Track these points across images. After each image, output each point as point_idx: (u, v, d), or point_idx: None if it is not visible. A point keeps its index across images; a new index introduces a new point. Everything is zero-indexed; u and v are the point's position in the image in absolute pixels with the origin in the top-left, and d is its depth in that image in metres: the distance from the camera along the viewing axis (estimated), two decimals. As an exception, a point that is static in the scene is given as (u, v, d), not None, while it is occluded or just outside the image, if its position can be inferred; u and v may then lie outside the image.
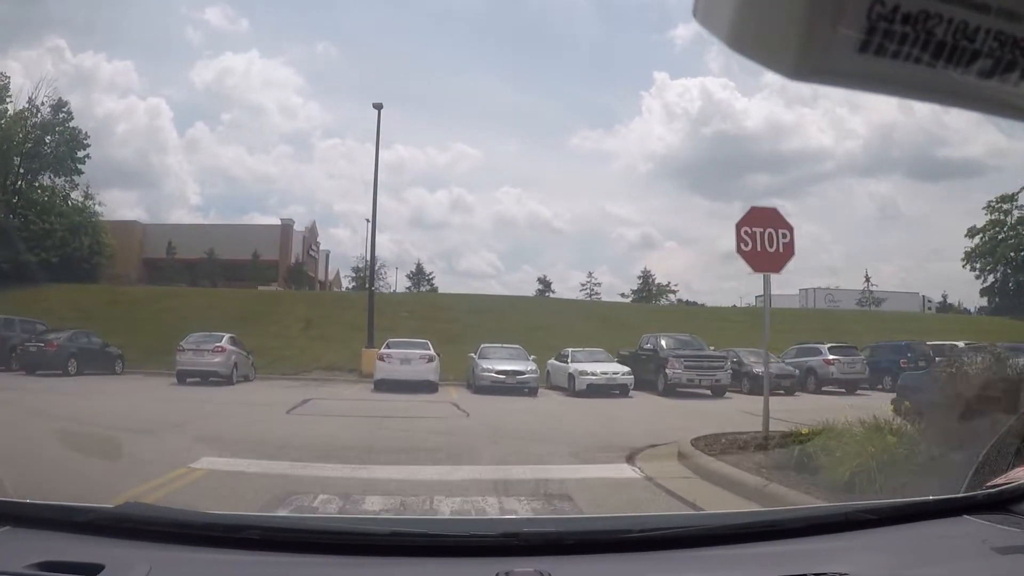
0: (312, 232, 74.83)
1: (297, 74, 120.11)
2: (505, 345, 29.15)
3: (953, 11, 0.81)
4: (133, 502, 3.21)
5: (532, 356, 28.26)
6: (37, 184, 57.60)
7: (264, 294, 50.60)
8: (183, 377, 26.49)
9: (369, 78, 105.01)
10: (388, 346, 27.61)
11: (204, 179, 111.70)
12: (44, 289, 45.95)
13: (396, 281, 77.23)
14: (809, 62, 0.82)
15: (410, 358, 26.21)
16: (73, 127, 59.17)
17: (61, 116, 58.82)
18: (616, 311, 55.47)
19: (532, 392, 25.74)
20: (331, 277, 78.79)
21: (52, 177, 58.44)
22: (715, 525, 2.67)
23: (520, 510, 7.63)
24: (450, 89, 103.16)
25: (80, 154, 59.25)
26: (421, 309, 47.39)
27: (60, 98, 58.75)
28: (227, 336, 28.12)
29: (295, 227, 69.75)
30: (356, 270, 72.90)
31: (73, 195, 58.98)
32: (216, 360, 26.61)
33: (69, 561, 2.12)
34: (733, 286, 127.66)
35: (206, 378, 26.14)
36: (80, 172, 59.26)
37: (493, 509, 7.61)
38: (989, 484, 2.83)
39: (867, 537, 2.57)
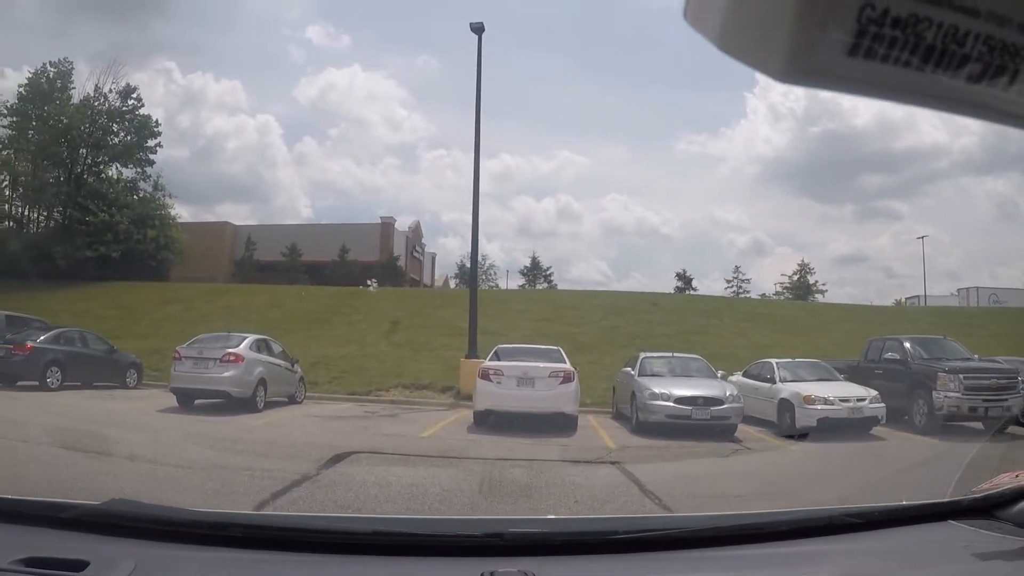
0: (416, 232, 69.76)
1: (399, 87, 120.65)
2: (677, 354, 20.23)
3: (943, 15, 0.80)
4: (119, 499, 2.70)
5: (719, 372, 18.99)
6: (104, 175, 54.26)
7: (342, 292, 43.51)
8: (184, 398, 18.68)
9: (471, 88, 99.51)
10: (497, 355, 18.10)
11: (314, 192, 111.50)
12: (96, 287, 43.47)
13: (506, 283, 72.72)
14: (798, 64, 0.82)
15: (533, 376, 16.48)
16: (143, 115, 55.91)
17: (131, 103, 55.59)
18: (780, 310, 45.28)
19: (728, 432, 15.96)
20: (438, 283, 73.96)
21: (119, 168, 55.62)
22: (701, 527, 2.60)
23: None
24: (553, 97, 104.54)
25: (151, 143, 55.93)
26: (539, 308, 38.23)
27: (128, 83, 55.75)
28: (250, 339, 19.81)
29: (396, 226, 64.60)
30: (461, 267, 66.06)
31: (142, 186, 55.32)
32: (226, 375, 18.22)
33: (54, 557, 2.13)
34: (848, 292, 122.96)
35: (212, 398, 18.45)
36: (151, 162, 55.88)
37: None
38: (975, 489, 2.85)
39: (852, 541, 2.59)
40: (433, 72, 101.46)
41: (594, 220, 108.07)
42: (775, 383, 18.43)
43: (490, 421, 16.13)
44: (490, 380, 16.52)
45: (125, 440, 11.94)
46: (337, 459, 10.77)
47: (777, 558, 2.47)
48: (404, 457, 12.31)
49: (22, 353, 21.14)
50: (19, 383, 20.97)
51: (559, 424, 15.83)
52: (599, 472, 11.45)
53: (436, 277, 74.78)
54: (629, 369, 19.03)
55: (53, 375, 21.29)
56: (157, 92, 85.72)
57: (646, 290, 57.60)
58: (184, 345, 19.15)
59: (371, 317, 35.65)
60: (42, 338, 22.07)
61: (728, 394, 16.41)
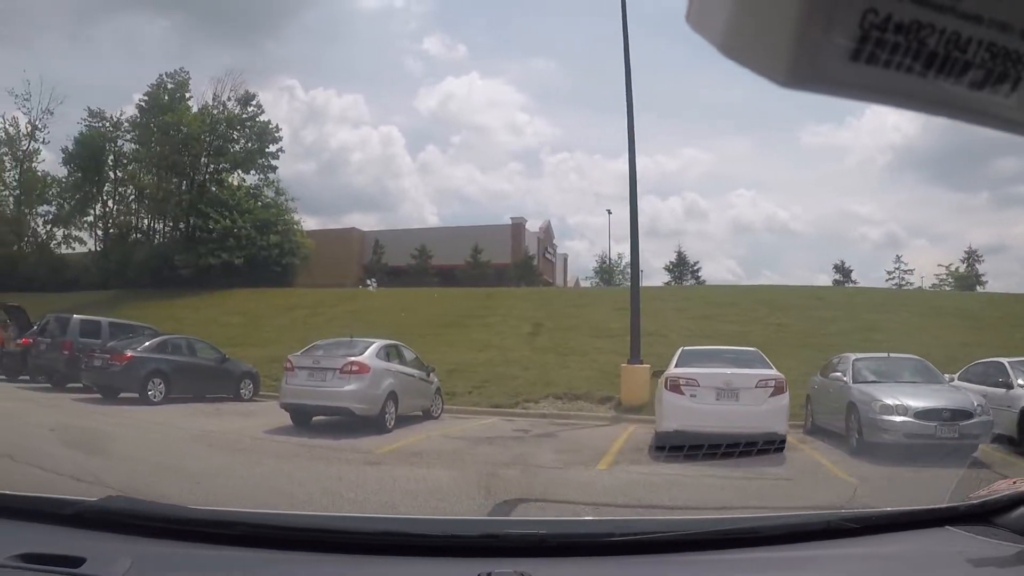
0: (548, 233, 66.67)
1: (519, 92, 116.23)
2: (893, 355, 16.05)
3: (946, 21, 0.80)
4: (116, 496, 2.82)
5: (947, 375, 15.46)
6: (226, 183, 53.68)
7: (477, 293, 40.63)
8: (298, 415, 15.55)
9: (591, 90, 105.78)
10: (684, 360, 14.19)
11: (439, 199, 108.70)
12: (220, 294, 43.06)
13: (644, 282, 65.36)
14: (801, 70, 0.81)
15: (737, 386, 12.87)
16: (263, 121, 55.73)
17: (250, 110, 55.43)
18: (960, 302, 38.19)
19: (968, 453, 12.15)
20: (570, 284, 69.93)
21: (241, 174, 55.07)
22: (697, 531, 2.58)
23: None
24: (674, 94, 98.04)
25: (272, 148, 55.70)
26: (695, 306, 34.03)
27: (247, 91, 55.53)
28: (377, 345, 16.53)
29: (527, 227, 61.62)
30: (600, 262, 62.03)
31: (265, 192, 54.45)
32: (348, 388, 14.93)
33: (51, 553, 2.14)
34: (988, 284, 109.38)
35: (331, 415, 15.43)
36: (273, 168, 55.63)
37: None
38: (972, 496, 2.84)
39: (849, 546, 2.56)
40: (551, 75, 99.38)
41: (722, 217, 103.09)
42: (1012, 388, 14.51)
43: (675, 446, 11.93)
44: (680, 392, 12.91)
45: (203, 476, 9.53)
46: (502, 511, 7.71)
47: (774, 562, 2.46)
48: (590, 507, 8.72)
49: (120, 363, 18.72)
50: (121, 395, 18.81)
51: (765, 445, 11.62)
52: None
53: (568, 279, 71.32)
54: (839, 375, 15.19)
55: (155, 387, 18.92)
56: (281, 109, 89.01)
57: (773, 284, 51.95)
58: (298, 353, 16.02)
59: (510, 319, 32.31)
60: (143, 347, 19.65)
61: (976, 405, 12.87)
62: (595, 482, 10.57)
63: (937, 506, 2.85)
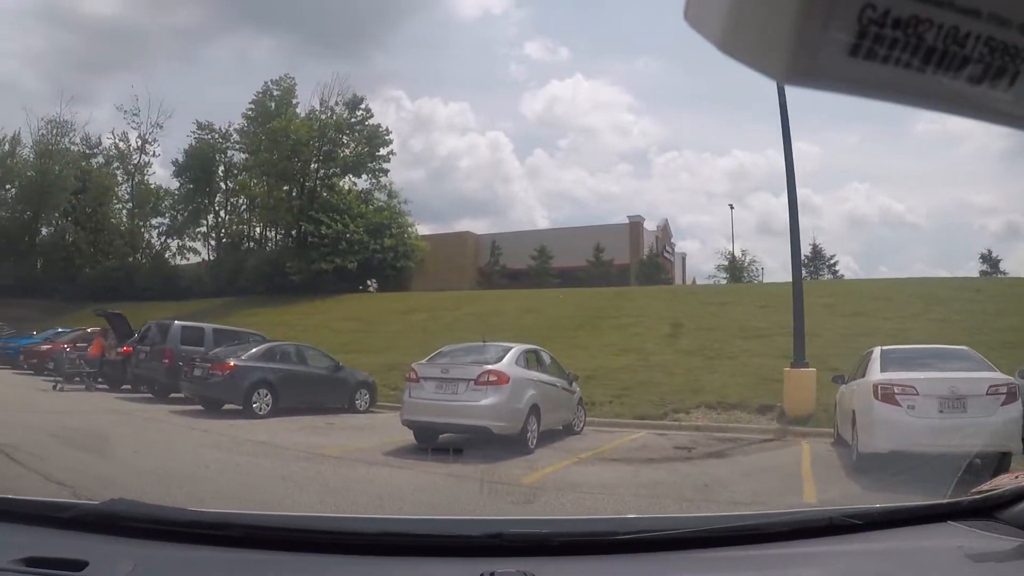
0: (665, 232, 63.66)
1: (624, 92, 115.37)
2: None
3: (944, 16, 0.80)
4: (118, 499, 2.75)
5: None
6: (336, 187, 53.20)
7: (605, 293, 38.01)
8: (424, 434, 13.09)
9: (696, 87, 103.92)
10: (888, 363, 11.63)
11: (549, 203, 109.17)
12: (333, 299, 42.58)
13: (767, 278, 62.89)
14: (800, 65, 0.82)
15: (964, 394, 10.51)
16: (373, 124, 55.03)
17: (359, 114, 54.83)
18: None
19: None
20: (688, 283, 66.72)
21: (352, 179, 54.96)
22: (699, 528, 2.53)
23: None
24: (775, 86, 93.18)
25: (383, 151, 54.71)
26: (844, 301, 30.28)
27: (355, 94, 55.04)
28: (516, 350, 13.88)
29: (645, 226, 59.03)
30: (728, 258, 57.94)
31: (377, 196, 53.94)
32: (485, 403, 12.40)
33: (53, 557, 2.14)
34: None
35: (463, 433, 12.86)
36: (384, 171, 54.83)
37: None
38: (974, 490, 2.85)
39: (851, 542, 2.56)
40: (656, 74, 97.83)
41: (835, 212, 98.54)
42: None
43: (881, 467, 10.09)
44: (895, 403, 10.46)
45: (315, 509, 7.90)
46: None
47: (776, 559, 2.46)
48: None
49: (223, 373, 16.82)
50: (224, 407, 17.20)
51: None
52: None
53: (686, 278, 68.04)
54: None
55: (260, 399, 17.03)
56: (389, 119, 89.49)
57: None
58: (423, 361, 13.55)
59: (646, 320, 29.39)
60: (248, 355, 17.65)
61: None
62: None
63: (939, 501, 2.85)
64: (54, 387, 21.53)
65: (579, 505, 8.78)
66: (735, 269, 54.65)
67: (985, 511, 2.61)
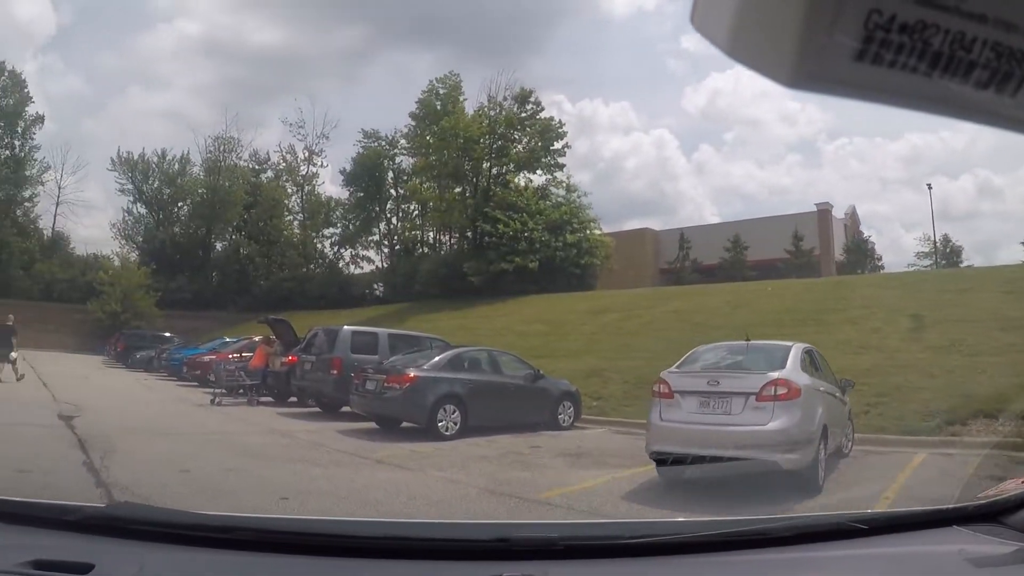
0: (854, 219, 59.78)
1: None
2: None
3: (950, 21, 0.81)
4: (124, 502, 3.35)
5: None
6: (511, 184, 51.29)
7: (819, 284, 34.29)
8: (668, 467, 9.54)
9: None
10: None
11: (718, 198, 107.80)
12: (515, 301, 40.69)
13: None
14: (806, 70, 0.82)
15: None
16: (544, 118, 52.69)
17: (529, 108, 52.54)
18: None
19: None
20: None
21: (527, 175, 52.83)
22: (706, 532, 2.57)
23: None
24: None
25: (557, 145, 52.08)
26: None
27: (523, 88, 52.82)
28: (795, 351, 10.05)
29: (834, 212, 55.64)
30: (926, 242, 53.09)
31: (553, 191, 51.71)
32: (772, 426, 8.75)
33: (59, 560, 2.12)
34: None
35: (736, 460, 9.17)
36: (560, 166, 52.15)
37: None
38: (980, 496, 2.85)
39: (858, 546, 2.52)
40: None
41: (1019, 194, 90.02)
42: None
43: None
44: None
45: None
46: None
47: (783, 563, 2.44)
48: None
49: (400, 386, 13.98)
50: (403, 425, 14.64)
51: None
52: None
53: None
54: None
55: (447, 416, 14.05)
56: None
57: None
58: (675, 369, 10.01)
59: (876, 311, 24.71)
60: (431, 363, 14.75)
61: None
62: None
63: (945, 506, 2.85)
64: (211, 401, 19.53)
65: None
66: (949, 254, 49.58)
67: (991, 516, 2.59)
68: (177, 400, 21.22)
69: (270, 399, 20.14)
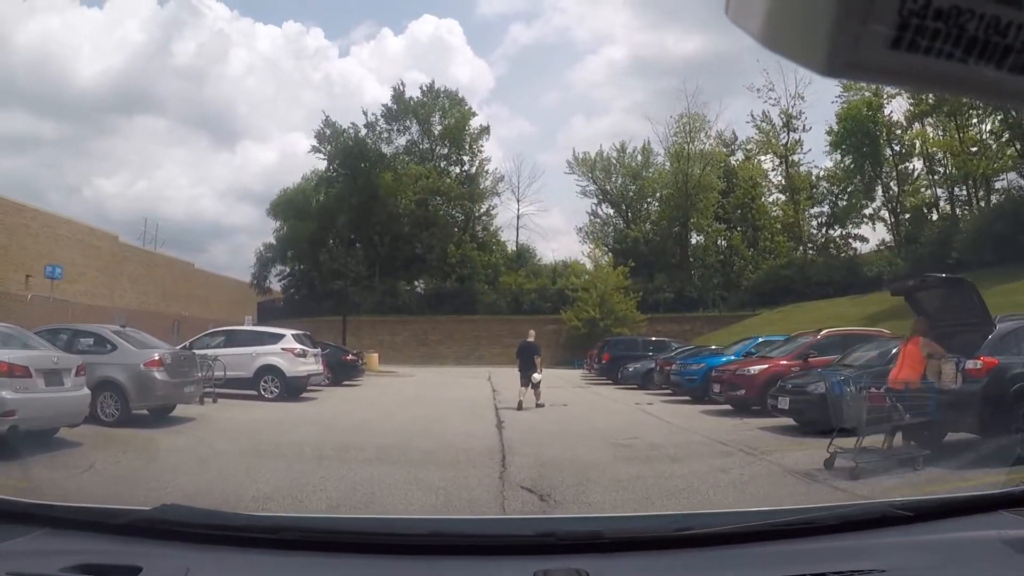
0: None
1: None
2: None
3: (985, 6, 0.80)
4: (169, 504, 2.79)
5: None
6: None
7: None
8: None
9: None
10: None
11: None
12: None
13: None
14: (841, 59, 0.82)
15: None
16: None
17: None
18: None
19: None
20: None
21: None
22: (751, 523, 2.57)
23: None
24: None
25: None
26: None
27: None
28: None
29: None
30: None
31: None
32: None
33: (107, 564, 2.15)
34: None
35: None
36: None
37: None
38: None
39: (904, 534, 2.52)
40: None
41: None
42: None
43: None
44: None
45: None
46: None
47: (829, 552, 2.38)
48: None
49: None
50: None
51: None
52: None
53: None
54: None
55: None
56: None
57: None
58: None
59: None
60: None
61: None
62: None
63: (993, 491, 2.86)
64: (826, 462, 9.60)
65: None
66: None
67: None
68: (757, 453, 11.38)
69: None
